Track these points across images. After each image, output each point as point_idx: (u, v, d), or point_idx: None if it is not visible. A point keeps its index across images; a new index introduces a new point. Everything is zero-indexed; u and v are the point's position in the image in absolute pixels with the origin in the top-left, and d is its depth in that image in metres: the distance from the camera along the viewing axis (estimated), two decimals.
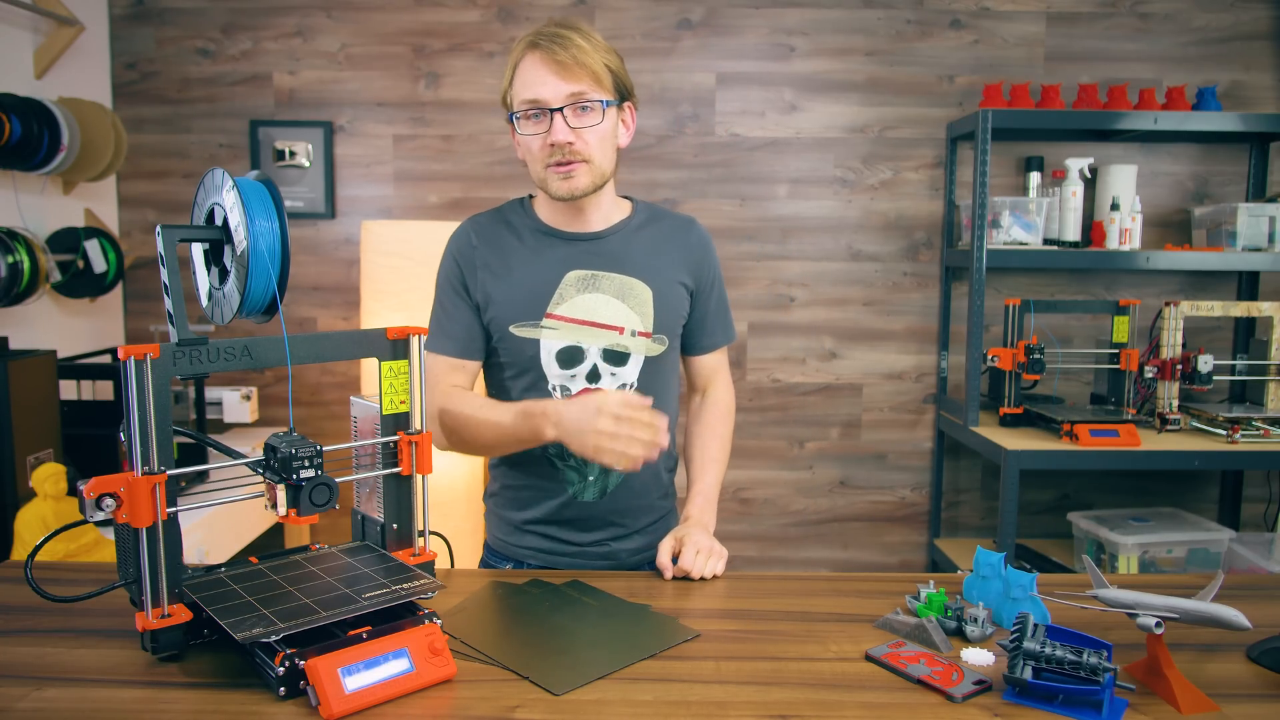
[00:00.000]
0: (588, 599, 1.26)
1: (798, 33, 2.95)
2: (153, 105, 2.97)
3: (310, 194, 2.98)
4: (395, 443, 1.19)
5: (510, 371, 1.47)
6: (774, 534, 3.12)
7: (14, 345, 2.33)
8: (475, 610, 1.22)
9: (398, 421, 1.20)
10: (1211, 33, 2.95)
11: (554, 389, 1.44)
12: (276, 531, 2.88)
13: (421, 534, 1.23)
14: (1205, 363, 2.61)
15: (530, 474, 1.48)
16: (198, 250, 1.14)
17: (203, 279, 1.15)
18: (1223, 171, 3.00)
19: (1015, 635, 0.98)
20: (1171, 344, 2.62)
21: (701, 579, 1.36)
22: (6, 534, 2.00)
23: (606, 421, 1.21)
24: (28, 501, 1.97)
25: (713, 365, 1.58)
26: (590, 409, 1.22)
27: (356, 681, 0.94)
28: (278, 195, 1.08)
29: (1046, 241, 2.81)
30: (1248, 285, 3.00)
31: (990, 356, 2.73)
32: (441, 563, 1.28)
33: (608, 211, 1.47)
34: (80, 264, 2.63)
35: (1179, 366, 2.62)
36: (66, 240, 2.64)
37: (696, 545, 1.36)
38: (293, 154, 2.96)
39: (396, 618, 1.03)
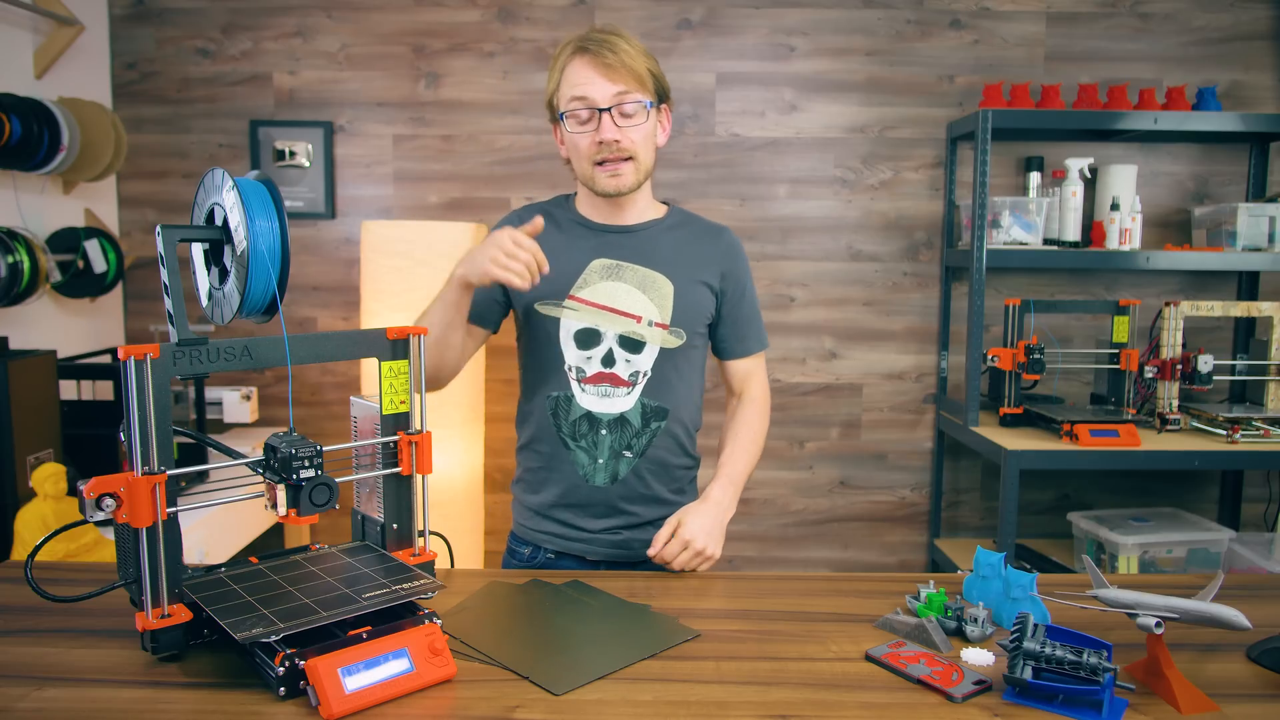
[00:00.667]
0: (588, 599, 1.26)
1: (798, 33, 2.95)
2: (153, 105, 2.97)
3: (310, 194, 2.98)
4: (395, 443, 1.19)
5: (533, 348, 1.54)
6: (774, 534, 3.12)
7: (14, 345, 2.33)
8: (475, 610, 1.22)
9: (398, 421, 1.20)
10: (1211, 33, 2.95)
11: (569, 368, 1.50)
12: (276, 531, 2.88)
13: (421, 534, 1.23)
14: (1205, 363, 2.61)
15: (545, 456, 1.54)
16: (198, 250, 1.14)
17: (203, 279, 1.15)
18: (1223, 171, 3.00)
19: (1015, 635, 0.98)
20: (1171, 344, 2.62)
21: (694, 571, 1.39)
22: (6, 534, 2.00)
23: (494, 250, 1.31)
24: (28, 501, 1.98)
25: (746, 370, 1.61)
26: (487, 241, 1.34)
27: (356, 681, 0.94)
28: (278, 195, 1.08)
29: (1046, 241, 2.81)
30: (1248, 285, 3.00)
31: (990, 356, 2.73)
32: (441, 563, 1.28)
33: (642, 209, 1.55)
34: (80, 264, 2.63)
35: (1179, 366, 2.62)
36: (66, 240, 2.64)
37: (688, 536, 1.38)
38: (293, 154, 2.96)
39: (396, 618, 1.03)
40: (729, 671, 1.05)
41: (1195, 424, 2.68)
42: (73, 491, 1.95)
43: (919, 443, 3.10)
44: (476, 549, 2.81)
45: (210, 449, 1.32)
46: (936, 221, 3.02)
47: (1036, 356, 2.62)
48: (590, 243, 1.52)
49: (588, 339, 1.49)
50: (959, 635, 1.15)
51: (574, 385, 1.50)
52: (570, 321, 1.49)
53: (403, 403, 1.20)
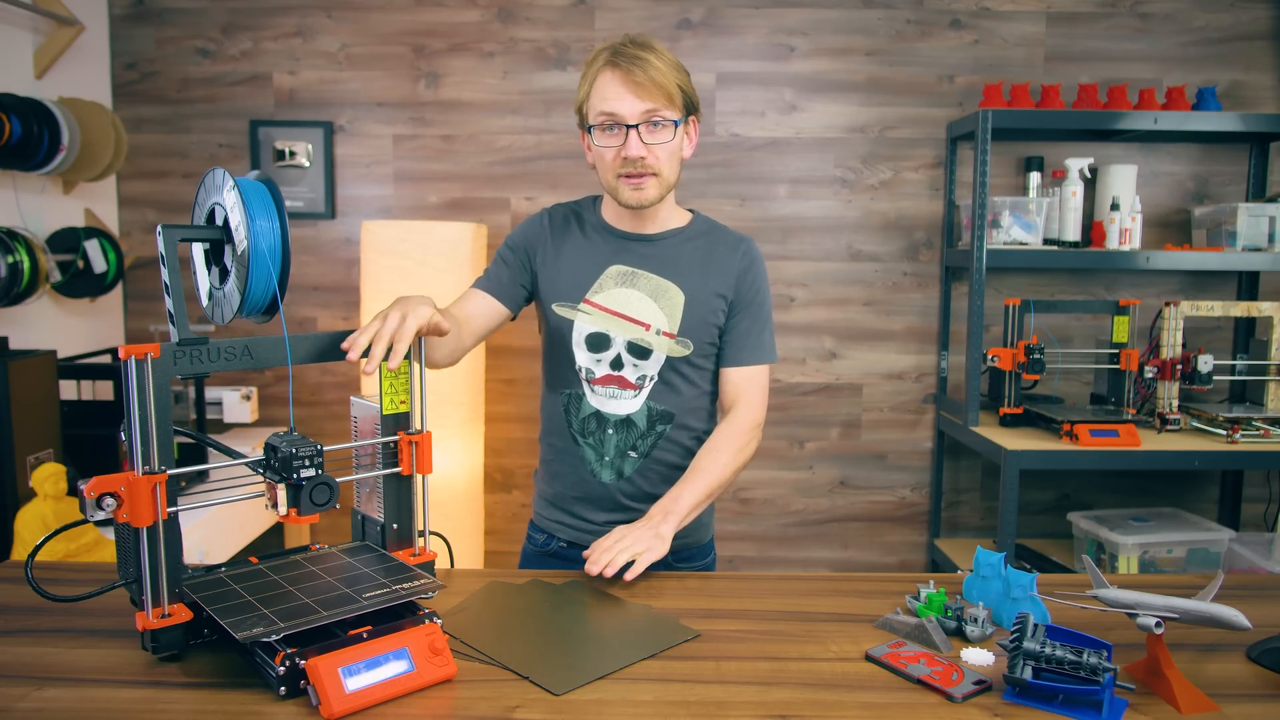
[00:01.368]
0: (588, 599, 1.27)
1: (798, 33, 2.95)
2: (153, 105, 2.97)
3: (310, 194, 2.98)
4: (395, 443, 1.19)
5: (550, 345, 1.58)
6: (774, 534, 3.12)
7: (14, 345, 2.33)
8: (475, 610, 1.22)
9: (398, 421, 1.20)
10: (1211, 33, 2.95)
11: (580, 369, 1.53)
12: (276, 531, 2.88)
13: (421, 534, 1.24)
14: (1205, 363, 2.61)
15: (557, 450, 1.58)
16: (198, 250, 1.14)
17: (203, 279, 1.15)
18: (1223, 171, 3.00)
19: (1015, 635, 0.98)
20: (1171, 344, 2.62)
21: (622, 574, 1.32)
22: (6, 534, 2.00)
23: (375, 324, 1.17)
24: (28, 501, 1.98)
25: (737, 382, 1.55)
26: (400, 302, 1.21)
27: (357, 681, 0.94)
28: (278, 195, 1.08)
29: (1046, 241, 2.81)
30: (1248, 285, 3.00)
31: (990, 356, 2.73)
32: (441, 563, 1.28)
33: (664, 218, 1.56)
34: (80, 264, 2.63)
35: (1179, 366, 2.62)
36: (66, 240, 2.64)
37: (610, 540, 1.34)
38: (293, 154, 2.96)
39: (397, 618, 1.03)
40: (729, 671, 1.05)
41: (1195, 424, 2.68)
42: (73, 491, 1.95)
43: (919, 443, 3.10)
44: (476, 549, 2.81)
45: (210, 449, 1.32)
46: (936, 221, 3.02)
47: (1036, 356, 2.62)
48: (609, 248, 1.54)
49: (598, 342, 1.51)
50: (959, 635, 1.15)
51: (584, 385, 1.53)
52: (583, 324, 1.51)
53: (403, 403, 1.20)
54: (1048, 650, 0.96)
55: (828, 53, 2.96)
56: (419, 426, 1.21)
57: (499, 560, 3.03)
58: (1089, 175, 2.82)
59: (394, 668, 0.97)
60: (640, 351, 1.50)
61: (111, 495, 0.97)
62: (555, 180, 2.97)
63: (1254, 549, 2.58)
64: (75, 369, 2.43)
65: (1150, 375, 2.64)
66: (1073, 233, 2.79)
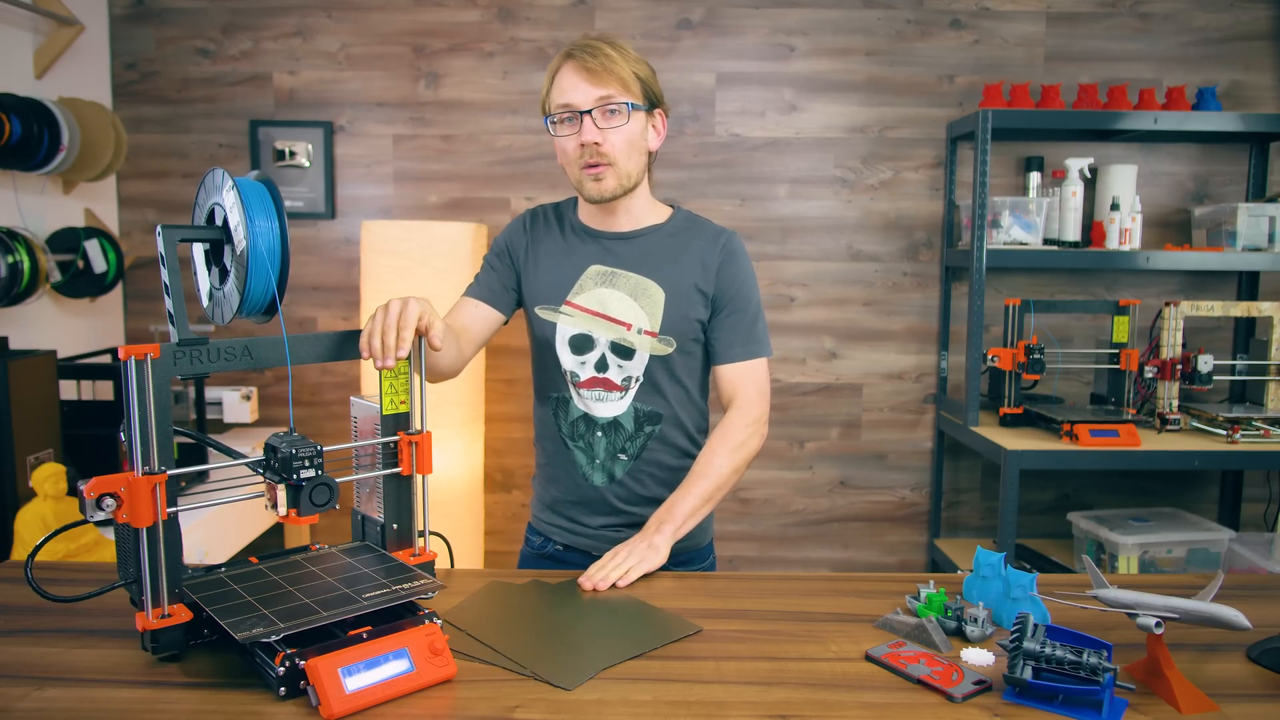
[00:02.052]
0: (588, 597, 1.27)
1: (798, 33, 2.95)
2: (153, 105, 2.97)
3: (310, 194, 2.98)
4: (395, 443, 1.19)
5: (535, 349, 1.59)
6: (774, 534, 3.12)
7: (14, 345, 2.33)
8: (475, 610, 1.22)
9: (398, 422, 1.20)
10: (1211, 33, 2.95)
11: (565, 372, 1.52)
12: (276, 531, 2.88)
13: (421, 534, 1.24)
14: (1205, 363, 2.61)
15: (550, 454, 1.59)
16: (198, 250, 1.14)
17: (203, 279, 1.15)
18: (1223, 171, 3.00)
19: (1015, 635, 0.98)
20: (1171, 344, 2.62)
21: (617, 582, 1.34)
22: (6, 534, 2.00)
23: (379, 316, 1.18)
24: (28, 501, 1.97)
25: (730, 379, 1.54)
26: (393, 302, 1.20)
27: (357, 681, 0.94)
28: (278, 195, 1.08)
29: (1046, 241, 2.81)
30: (1248, 285, 3.00)
31: (990, 356, 2.73)
32: (441, 563, 1.28)
33: (639, 214, 1.54)
34: (80, 264, 2.63)
35: (1179, 366, 2.62)
36: (66, 240, 2.64)
37: (605, 559, 1.36)
38: (293, 154, 2.96)
39: (397, 618, 1.03)
40: (729, 671, 1.05)
41: (1195, 424, 2.68)
42: (73, 491, 1.95)
43: (919, 443, 3.10)
44: (476, 549, 2.81)
45: (210, 449, 1.32)
46: (936, 221, 3.02)
47: (1036, 356, 2.62)
48: (588, 248, 1.53)
49: (581, 344, 1.51)
50: (959, 635, 1.15)
51: (571, 388, 1.53)
52: (565, 327, 1.51)
53: (403, 403, 1.20)
54: (1048, 650, 0.96)
55: (828, 53, 2.96)
56: (419, 426, 1.21)
57: (499, 560, 3.03)
58: (1089, 175, 2.82)
59: (394, 668, 0.97)
60: (624, 352, 1.50)
61: (111, 495, 0.97)
62: (555, 180, 2.97)
63: (1254, 549, 2.58)
64: (75, 369, 2.43)
65: (1150, 375, 2.64)
66: (1073, 233, 2.79)
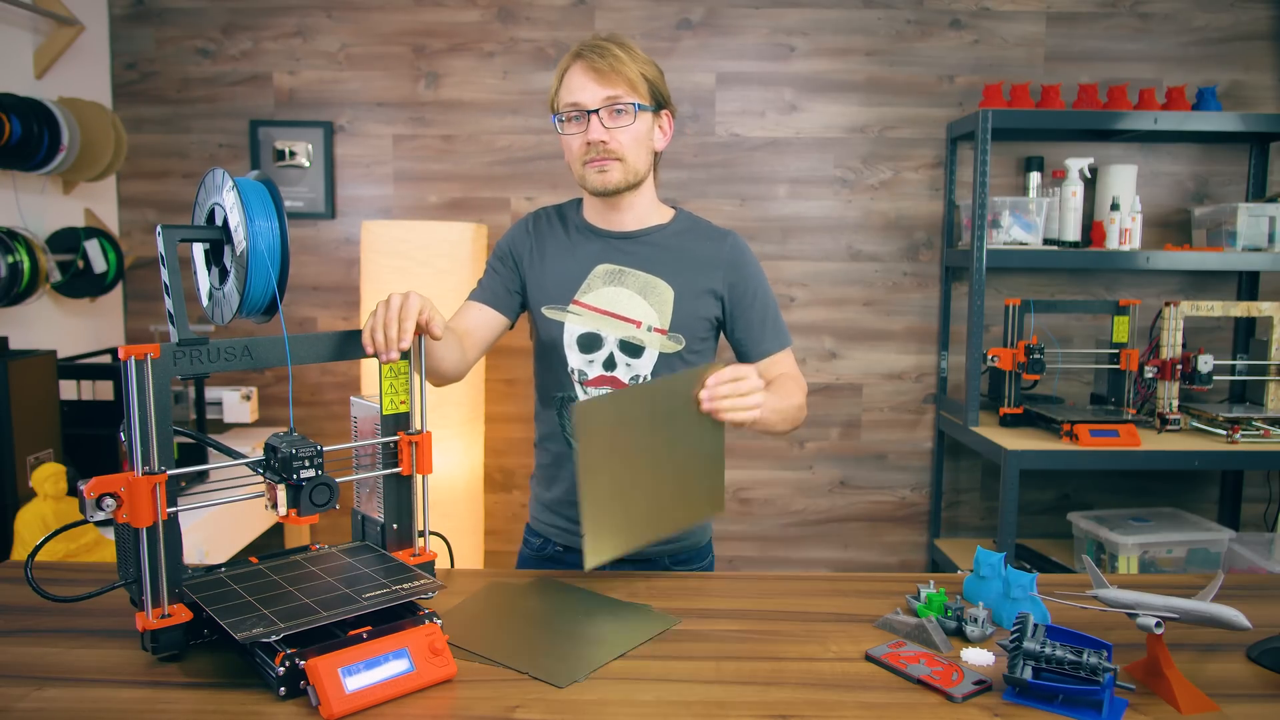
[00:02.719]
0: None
1: (798, 33, 2.95)
2: (153, 105, 2.97)
3: (310, 194, 2.98)
4: (395, 443, 1.19)
5: (540, 350, 1.58)
6: (774, 534, 3.12)
7: (14, 345, 2.33)
8: (475, 610, 1.22)
9: (398, 421, 1.20)
10: (1211, 33, 2.95)
11: (572, 371, 1.52)
12: (276, 531, 2.88)
13: (421, 534, 1.24)
14: (1205, 363, 2.61)
15: (553, 454, 1.58)
16: (198, 250, 1.14)
17: (203, 279, 1.15)
18: (1223, 171, 3.00)
19: (1015, 635, 0.98)
20: (1171, 344, 2.62)
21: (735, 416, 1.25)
22: (6, 534, 2.00)
23: (380, 310, 1.18)
24: (28, 501, 1.97)
25: (769, 371, 1.55)
26: (392, 296, 1.20)
27: (357, 681, 0.94)
28: (278, 195, 1.08)
29: (1046, 241, 2.81)
30: (1248, 285, 3.00)
31: (990, 356, 2.73)
32: (441, 563, 1.28)
33: (643, 214, 1.55)
34: (80, 264, 2.63)
35: (1179, 366, 2.62)
36: (66, 240, 2.64)
37: (730, 377, 1.25)
38: (293, 154, 2.96)
39: (397, 618, 1.03)
40: (729, 671, 1.05)
41: (1195, 424, 2.68)
42: (73, 491, 1.95)
43: (919, 443, 3.10)
44: (476, 549, 2.81)
45: (210, 449, 1.32)
46: (936, 221, 3.02)
47: (1036, 356, 2.62)
48: (595, 247, 1.54)
49: (590, 343, 1.51)
50: (959, 635, 1.15)
51: (578, 387, 1.52)
52: (573, 326, 1.51)
53: (403, 403, 1.20)
54: (1048, 650, 0.96)
55: (828, 53, 2.96)
56: (419, 426, 1.21)
57: (499, 560, 3.03)
58: (1089, 175, 2.82)
59: (394, 668, 0.97)
60: (632, 350, 1.50)
61: (111, 495, 0.97)
62: (555, 180, 2.97)
63: (1254, 549, 2.58)
64: (75, 369, 2.43)
65: (1150, 375, 2.64)
66: (1073, 233, 2.79)
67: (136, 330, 3.06)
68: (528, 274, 1.56)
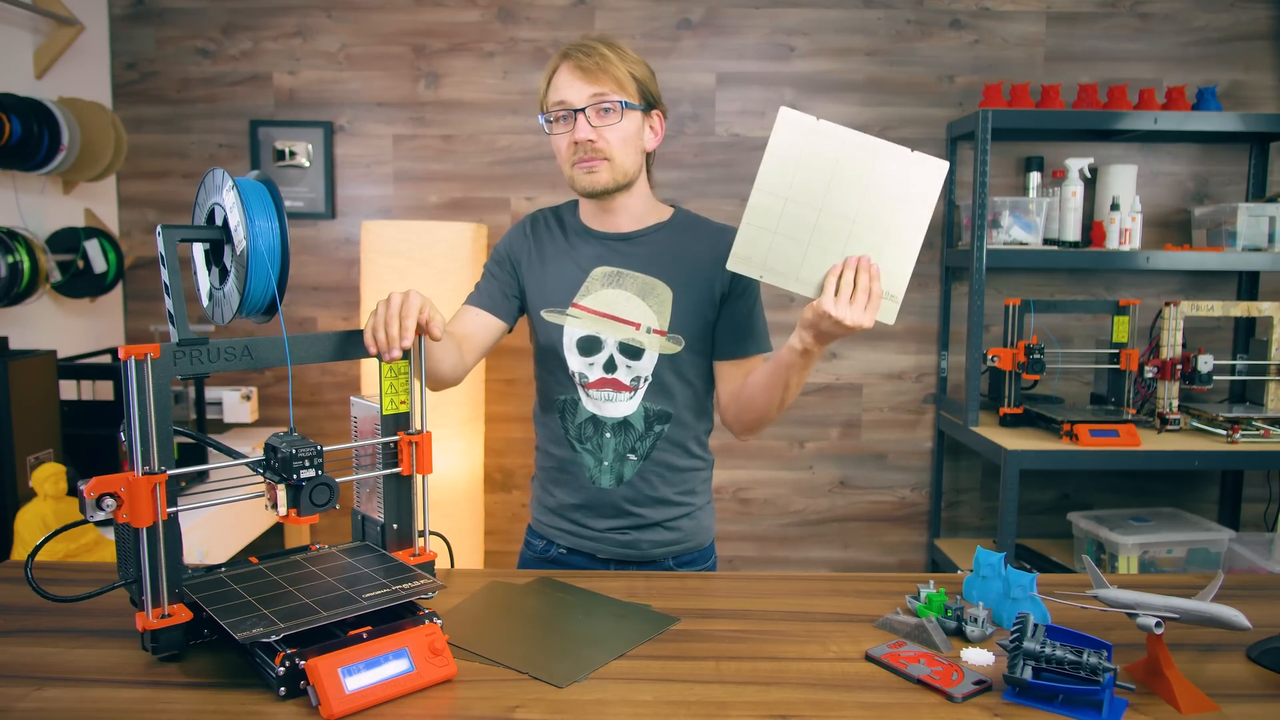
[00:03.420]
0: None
1: (798, 33, 2.95)
2: (153, 105, 2.97)
3: (310, 194, 2.98)
4: (395, 443, 1.19)
5: (540, 353, 1.57)
6: (774, 534, 3.12)
7: (14, 345, 2.33)
8: (475, 610, 1.22)
9: (398, 421, 1.20)
10: (1211, 33, 2.95)
11: (573, 374, 1.52)
12: (276, 531, 2.88)
13: (421, 534, 1.24)
14: (1205, 363, 2.61)
15: (555, 458, 1.57)
16: (198, 250, 1.14)
17: (203, 279, 1.15)
18: (1223, 171, 3.00)
19: (1015, 635, 0.98)
20: (1171, 344, 2.62)
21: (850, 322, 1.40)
22: (6, 534, 2.00)
23: (381, 309, 1.19)
24: (28, 501, 1.97)
25: (737, 373, 1.54)
26: (393, 295, 1.21)
27: (357, 681, 0.94)
28: (278, 195, 1.08)
29: (1046, 241, 2.81)
30: (1248, 285, 3.00)
31: (990, 356, 2.73)
32: (441, 563, 1.28)
33: (639, 214, 1.54)
34: (80, 264, 2.63)
35: (1179, 366, 2.62)
36: (66, 240, 2.64)
37: (849, 286, 1.39)
38: (293, 154, 2.96)
39: (397, 618, 1.03)
40: (729, 671, 1.05)
41: (1195, 424, 2.68)
42: (73, 491, 1.95)
43: (919, 443, 3.10)
44: (476, 549, 2.81)
45: (210, 449, 1.32)
46: (936, 221, 3.02)
47: (1036, 356, 2.62)
48: (593, 250, 1.53)
49: (590, 346, 1.50)
50: (959, 635, 1.15)
51: (579, 390, 1.52)
52: (573, 329, 1.51)
53: (403, 403, 1.20)
54: (1048, 650, 0.96)
55: (828, 53, 2.96)
56: (419, 426, 1.21)
57: (499, 560, 3.03)
58: (1089, 175, 2.82)
59: (394, 668, 0.97)
60: (632, 352, 1.49)
61: (111, 495, 0.97)
62: (555, 180, 2.97)
63: (1254, 549, 2.58)
64: (75, 369, 2.43)
65: (1150, 375, 2.64)
66: (1073, 233, 2.79)
67: (136, 330, 3.06)
68: (526, 278, 1.55)
